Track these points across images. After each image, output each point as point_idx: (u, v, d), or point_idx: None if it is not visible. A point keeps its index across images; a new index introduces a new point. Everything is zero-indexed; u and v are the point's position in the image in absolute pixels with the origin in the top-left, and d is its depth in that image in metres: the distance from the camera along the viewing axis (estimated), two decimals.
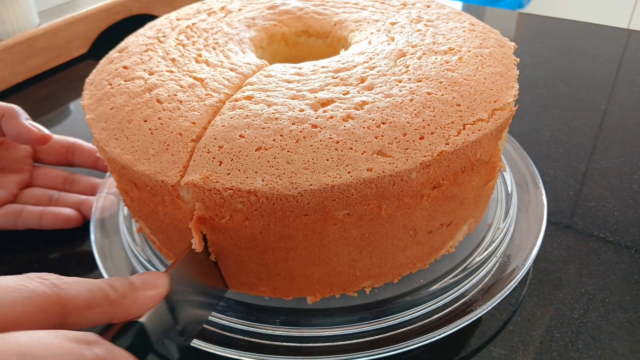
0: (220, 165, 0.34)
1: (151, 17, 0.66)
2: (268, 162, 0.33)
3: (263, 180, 0.33)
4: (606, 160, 0.58)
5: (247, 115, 0.36)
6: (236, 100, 0.37)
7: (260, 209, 0.34)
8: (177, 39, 0.46)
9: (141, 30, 0.49)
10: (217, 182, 0.33)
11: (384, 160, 0.33)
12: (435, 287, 0.41)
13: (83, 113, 0.41)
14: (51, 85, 0.83)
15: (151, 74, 0.41)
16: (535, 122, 0.65)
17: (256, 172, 0.33)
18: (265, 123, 0.35)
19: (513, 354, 0.38)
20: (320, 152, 0.33)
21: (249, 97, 0.37)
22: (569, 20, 0.93)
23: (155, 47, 0.45)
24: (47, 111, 0.76)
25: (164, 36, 0.46)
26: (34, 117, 0.74)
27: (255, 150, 0.34)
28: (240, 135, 0.35)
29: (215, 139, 0.35)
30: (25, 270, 0.48)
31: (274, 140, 0.34)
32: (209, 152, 0.34)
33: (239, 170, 0.33)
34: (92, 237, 0.47)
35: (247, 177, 0.33)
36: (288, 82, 0.39)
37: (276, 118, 0.35)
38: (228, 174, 0.33)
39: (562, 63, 0.80)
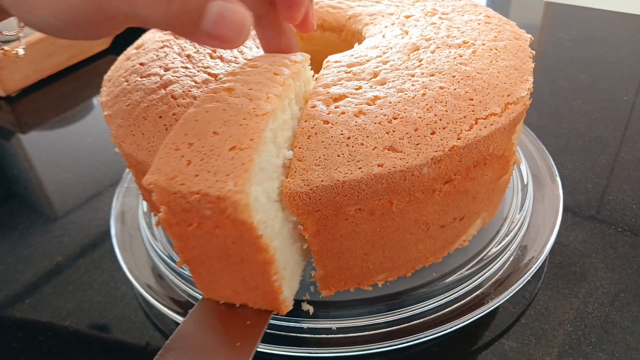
0: (188, 165, 0.29)
1: None
2: (243, 164, 0.29)
3: (235, 185, 0.28)
4: (627, 152, 0.57)
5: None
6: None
7: (231, 217, 0.29)
8: None
9: None
10: (182, 184, 0.29)
11: (395, 156, 0.33)
12: (448, 280, 0.41)
13: None
14: (74, 81, 0.84)
15: (167, 70, 0.42)
16: (554, 114, 0.65)
17: (228, 175, 0.28)
18: None
19: (525, 347, 0.38)
20: (331, 148, 0.33)
21: None
22: (594, 8, 0.91)
23: (171, 44, 0.45)
24: (70, 107, 0.78)
25: None
26: (57, 113, 0.76)
27: (230, 150, 0.29)
28: (214, 132, 0.30)
29: (186, 134, 0.31)
30: (48, 259, 0.50)
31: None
32: (177, 150, 0.30)
33: (208, 172, 0.29)
34: (113, 231, 0.48)
35: (217, 181, 0.28)
36: None
37: None
38: (196, 176, 0.29)
39: (584, 53, 0.79)
